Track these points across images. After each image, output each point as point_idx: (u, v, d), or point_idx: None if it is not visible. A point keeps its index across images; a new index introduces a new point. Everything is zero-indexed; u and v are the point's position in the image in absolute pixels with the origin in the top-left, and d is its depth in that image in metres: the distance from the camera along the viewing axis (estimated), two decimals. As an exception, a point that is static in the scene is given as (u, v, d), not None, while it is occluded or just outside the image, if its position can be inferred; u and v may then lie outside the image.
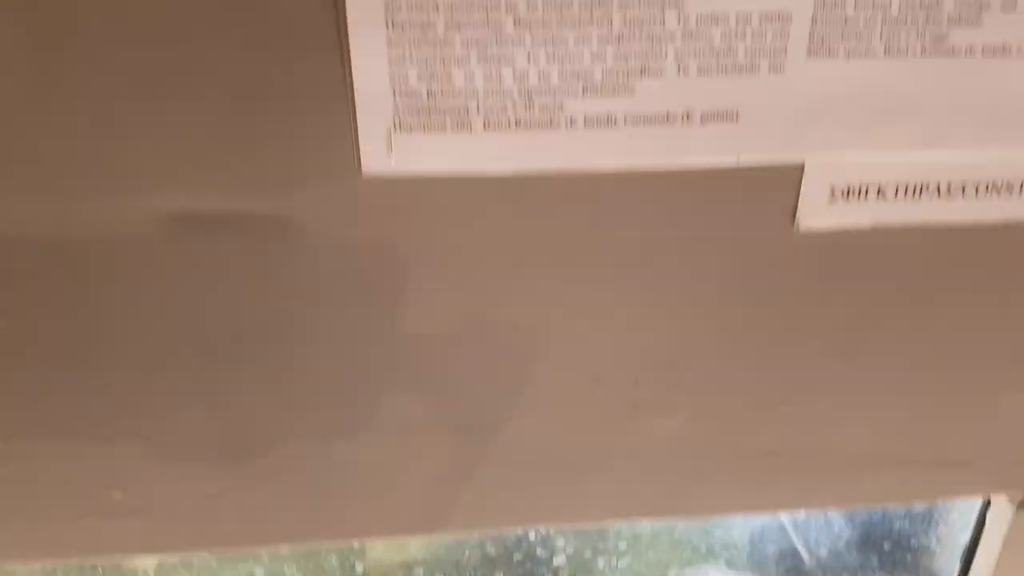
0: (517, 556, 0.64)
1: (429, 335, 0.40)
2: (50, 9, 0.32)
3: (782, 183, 0.39)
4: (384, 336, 0.40)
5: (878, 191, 0.40)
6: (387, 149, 0.36)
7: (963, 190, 0.40)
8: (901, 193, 0.40)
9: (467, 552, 0.63)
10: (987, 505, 0.55)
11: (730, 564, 0.66)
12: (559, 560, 0.64)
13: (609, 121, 0.37)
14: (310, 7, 0.33)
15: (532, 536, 0.63)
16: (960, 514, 0.58)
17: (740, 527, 0.67)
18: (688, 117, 0.37)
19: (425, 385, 0.42)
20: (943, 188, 0.40)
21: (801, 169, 0.39)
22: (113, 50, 0.33)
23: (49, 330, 0.39)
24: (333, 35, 0.34)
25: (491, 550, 0.64)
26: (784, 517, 0.67)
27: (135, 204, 0.36)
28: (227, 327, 0.39)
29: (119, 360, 0.40)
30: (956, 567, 0.59)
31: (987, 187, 0.40)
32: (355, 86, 0.35)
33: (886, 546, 0.65)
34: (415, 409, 0.42)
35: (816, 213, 0.40)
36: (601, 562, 0.64)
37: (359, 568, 0.63)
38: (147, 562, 0.60)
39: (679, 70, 0.36)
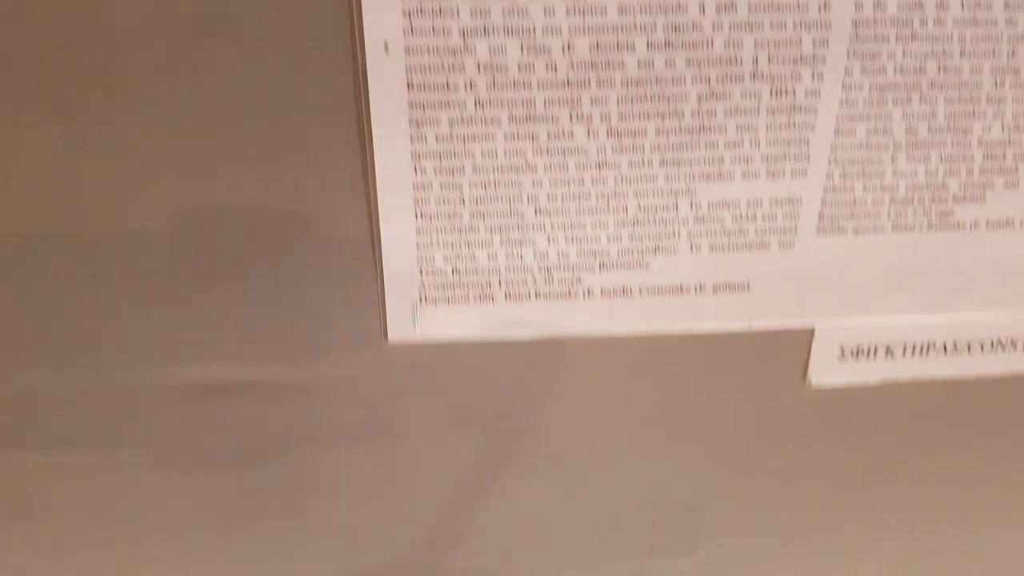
0: None
1: (448, 486, 0.42)
2: (91, 201, 0.34)
3: (793, 343, 0.40)
4: (406, 485, 0.42)
5: (887, 350, 0.41)
6: (412, 320, 0.38)
7: (968, 348, 0.41)
8: (909, 352, 0.41)
9: None
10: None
11: None
12: None
13: (625, 292, 0.38)
14: (343, 199, 0.35)
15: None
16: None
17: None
18: (701, 288, 0.38)
19: (444, 533, 0.43)
20: (949, 346, 0.41)
21: (812, 332, 0.40)
22: (151, 242, 0.35)
23: (77, 487, 0.40)
24: (365, 224, 0.35)
25: None
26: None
27: (166, 375, 0.38)
28: (251, 480, 0.41)
29: (145, 511, 0.41)
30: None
31: (991, 344, 0.41)
32: (384, 268, 0.36)
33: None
34: (434, 557, 0.44)
35: (827, 371, 0.41)
36: None
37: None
38: None
39: (692, 248, 0.37)
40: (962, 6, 0.33)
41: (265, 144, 0.33)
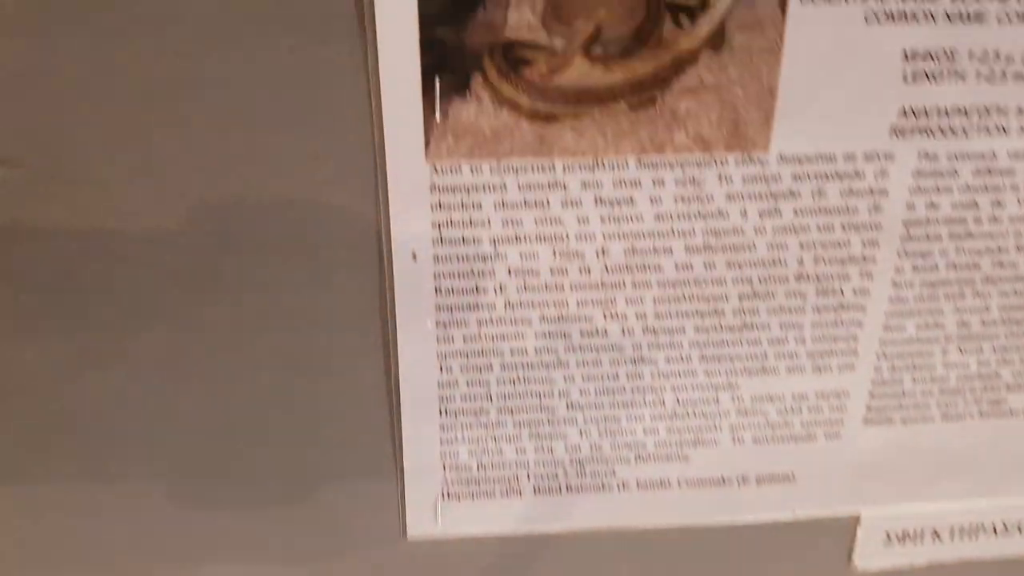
0: None
1: None
2: (100, 412, 0.32)
3: (838, 529, 0.38)
4: None
5: (933, 533, 0.39)
6: (434, 516, 0.36)
7: (1019, 529, 0.39)
8: (956, 535, 0.39)
9: None
10: None
11: None
12: None
13: (662, 484, 0.36)
14: (365, 396, 0.33)
15: None
16: None
17: None
18: (744, 480, 0.36)
19: None
20: (999, 528, 0.39)
21: (857, 518, 0.38)
22: (163, 442, 0.33)
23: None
24: (386, 421, 0.33)
25: None
26: None
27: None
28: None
29: None
30: None
31: (1045, 525, 0.39)
32: (405, 464, 0.34)
33: None
34: None
35: (872, 556, 0.39)
36: None
37: None
38: None
39: (734, 441, 0.35)
40: (1019, 203, 0.31)
41: (286, 352, 0.32)
